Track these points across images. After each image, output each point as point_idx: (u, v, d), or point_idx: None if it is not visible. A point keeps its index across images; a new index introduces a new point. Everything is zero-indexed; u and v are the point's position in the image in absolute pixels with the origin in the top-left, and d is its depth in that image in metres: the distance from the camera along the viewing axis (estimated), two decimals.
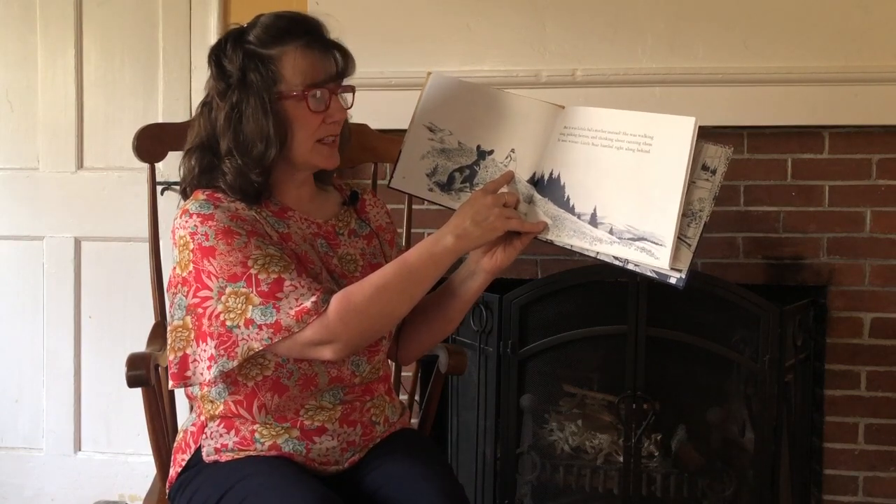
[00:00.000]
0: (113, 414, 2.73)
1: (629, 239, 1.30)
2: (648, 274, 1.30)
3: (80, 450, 2.77)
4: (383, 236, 1.57)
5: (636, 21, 2.31)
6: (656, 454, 2.26)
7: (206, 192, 1.39)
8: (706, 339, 2.19)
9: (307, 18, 1.41)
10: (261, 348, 1.31)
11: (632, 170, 1.30)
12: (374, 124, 1.85)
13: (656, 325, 2.16)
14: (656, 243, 1.27)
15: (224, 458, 1.39)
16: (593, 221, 1.33)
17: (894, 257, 2.32)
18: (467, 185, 1.43)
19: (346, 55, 1.42)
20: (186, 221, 1.35)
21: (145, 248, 1.78)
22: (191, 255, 1.33)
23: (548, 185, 1.38)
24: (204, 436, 1.42)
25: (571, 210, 1.35)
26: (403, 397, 1.96)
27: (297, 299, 1.30)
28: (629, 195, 1.30)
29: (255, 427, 1.39)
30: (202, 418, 1.43)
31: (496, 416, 2.26)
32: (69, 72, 2.68)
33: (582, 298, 2.26)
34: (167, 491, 1.48)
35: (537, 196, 1.39)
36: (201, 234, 1.33)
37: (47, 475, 2.77)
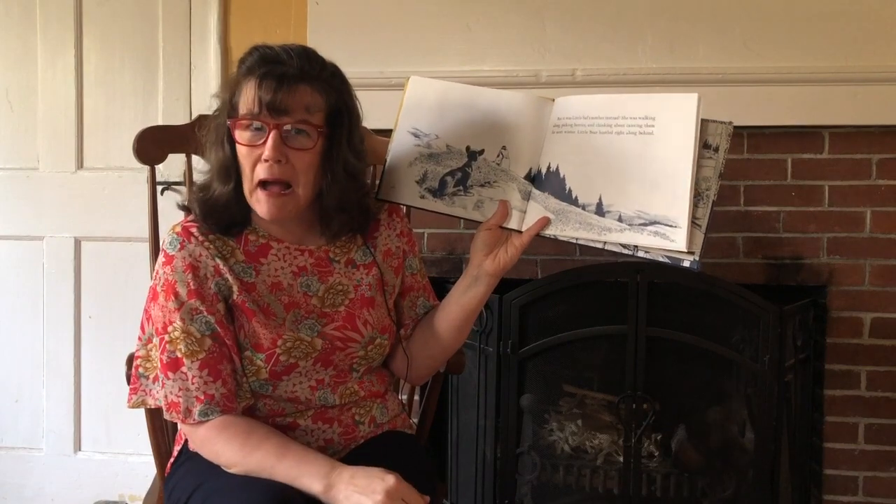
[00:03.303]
0: (113, 414, 2.73)
1: (640, 224, 1.27)
2: (660, 259, 1.27)
3: (80, 450, 2.77)
4: (388, 263, 1.50)
5: (636, 21, 2.31)
6: (656, 454, 2.26)
7: (184, 224, 1.39)
8: (706, 339, 2.19)
9: (289, 51, 1.32)
10: (153, 406, 1.40)
11: (636, 153, 1.27)
12: (374, 124, 1.85)
13: (656, 325, 2.16)
14: (670, 225, 1.25)
15: None
16: (600, 211, 1.30)
17: (894, 257, 2.32)
18: (461, 188, 1.39)
19: (291, 90, 1.29)
20: (160, 255, 1.39)
21: (145, 248, 1.78)
22: (150, 292, 1.40)
23: (546, 179, 1.35)
24: None
25: (575, 202, 1.32)
26: (403, 396, 1.96)
27: (179, 390, 1.33)
28: (636, 180, 1.27)
29: None
30: None
31: (496, 416, 2.26)
32: (69, 72, 2.68)
33: (582, 298, 2.26)
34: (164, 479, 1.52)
35: (536, 192, 1.36)
36: (158, 277, 1.37)
37: (47, 475, 2.77)
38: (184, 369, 1.33)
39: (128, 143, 1.72)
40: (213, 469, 1.35)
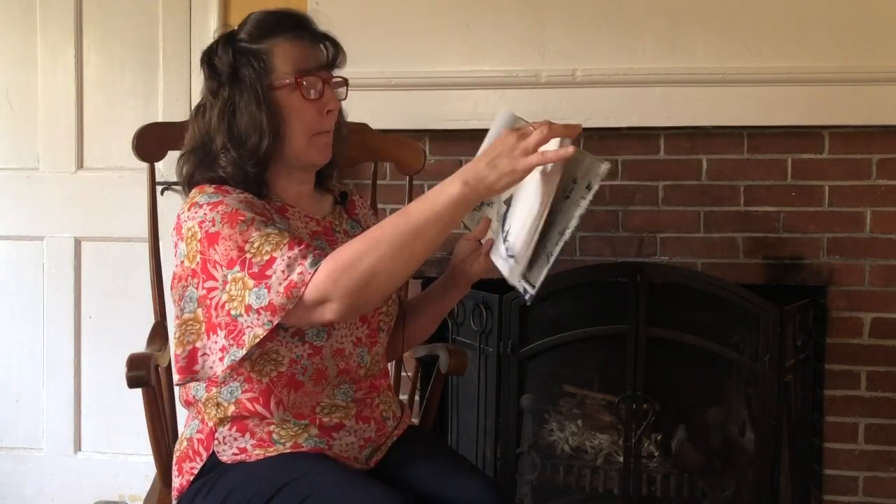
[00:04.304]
0: (113, 414, 2.73)
1: (509, 256, 1.32)
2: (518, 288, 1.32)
3: (80, 450, 2.77)
4: None
5: (636, 21, 2.31)
6: (656, 454, 2.26)
7: (214, 185, 1.40)
8: (706, 339, 2.19)
9: (296, 13, 1.44)
10: (264, 333, 1.27)
11: (526, 188, 1.30)
12: (374, 124, 1.86)
13: (656, 325, 2.16)
14: (517, 261, 1.30)
15: (253, 457, 1.38)
16: (505, 239, 1.35)
17: (894, 257, 2.32)
18: (482, 204, 1.44)
19: (336, 45, 1.44)
20: (196, 213, 1.34)
21: (145, 248, 1.78)
22: (198, 245, 1.32)
23: (510, 205, 1.39)
24: (216, 441, 1.40)
25: (501, 228, 1.38)
26: (403, 397, 1.97)
27: (283, 272, 1.25)
28: (520, 214, 1.32)
29: (272, 428, 1.39)
30: (210, 424, 1.41)
31: (496, 416, 2.26)
32: (69, 72, 2.68)
33: (582, 298, 2.26)
34: (175, 499, 1.45)
35: (506, 215, 1.39)
36: (208, 221, 1.32)
37: (47, 475, 2.77)
38: (278, 260, 1.26)
39: (128, 144, 1.72)
40: (294, 470, 1.32)
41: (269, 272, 1.26)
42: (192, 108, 1.45)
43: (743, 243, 2.36)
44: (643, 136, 2.35)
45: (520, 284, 1.31)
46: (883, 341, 2.33)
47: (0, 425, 2.79)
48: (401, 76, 2.35)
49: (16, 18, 2.70)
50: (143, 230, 1.77)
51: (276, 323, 1.26)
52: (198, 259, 1.32)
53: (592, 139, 2.35)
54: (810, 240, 2.34)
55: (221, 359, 1.33)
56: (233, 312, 1.29)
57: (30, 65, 2.70)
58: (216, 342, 1.34)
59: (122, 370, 1.49)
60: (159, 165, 1.78)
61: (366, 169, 2.13)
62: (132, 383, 1.50)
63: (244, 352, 1.30)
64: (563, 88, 2.32)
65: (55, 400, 2.76)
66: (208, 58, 1.42)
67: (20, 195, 2.73)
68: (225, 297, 1.30)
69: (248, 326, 1.29)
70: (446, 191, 1.21)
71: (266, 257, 1.27)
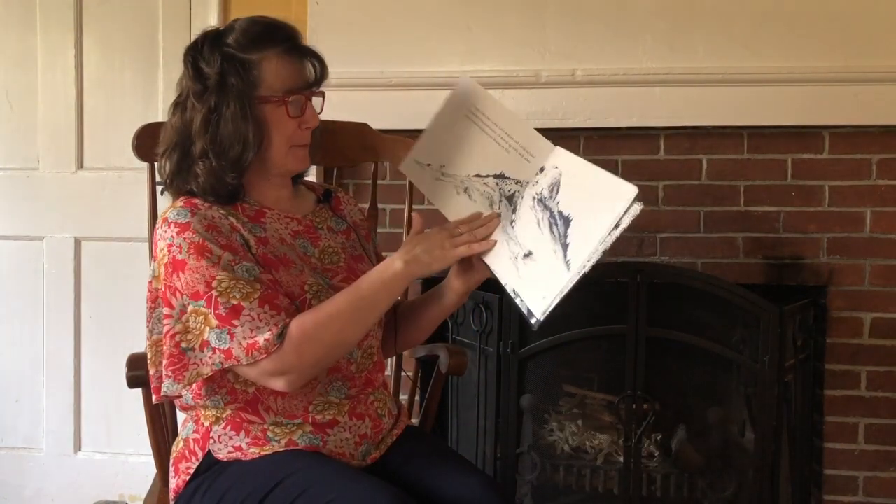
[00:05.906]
0: (113, 414, 2.73)
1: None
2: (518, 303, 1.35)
3: (80, 450, 2.77)
4: (360, 231, 1.59)
5: (636, 21, 2.31)
6: (656, 454, 2.26)
7: (184, 199, 1.40)
8: (706, 339, 2.19)
9: (285, 25, 1.44)
10: (210, 373, 1.32)
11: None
12: (374, 124, 1.86)
13: (656, 325, 2.16)
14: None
15: (248, 455, 1.38)
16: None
17: (894, 257, 2.32)
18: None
19: (321, 64, 1.46)
20: (165, 232, 1.36)
21: (145, 248, 1.78)
22: (164, 270, 1.35)
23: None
24: (211, 440, 1.40)
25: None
26: (404, 397, 1.97)
27: (251, 331, 1.29)
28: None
29: (266, 426, 1.39)
30: (205, 424, 1.41)
31: (496, 416, 2.26)
32: (69, 72, 2.68)
33: (582, 298, 2.25)
34: (173, 499, 1.45)
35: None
36: (175, 247, 1.34)
37: (47, 475, 2.77)
38: (245, 312, 1.30)
39: (128, 144, 1.72)
40: (288, 467, 1.33)
41: (235, 321, 1.30)
42: (170, 105, 1.44)
43: (743, 243, 2.36)
44: (643, 136, 2.35)
45: (543, 305, 1.32)
46: (883, 341, 2.33)
47: (0, 425, 2.80)
48: (401, 76, 2.35)
49: (16, 18, 2.70)
50: (143, 230, 1.77)
51: (225, 367, 1.31)
52: (163, 284, 1.36)
53: (592, 139, 2.36)
54: (810, 240, 2.34)
55: (158, 387, 1.37)
56: (182, 345, 1.33)
57: (30, 65, 2.70)
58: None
59: (122, 370, 1.50)
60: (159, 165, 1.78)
61: (366, 169, 2.13)
62: (132, 383, 1.50)
63: (181, 388, 1.34)
64: (563, 88, 2.32)
65: (55, 400, 2.76)
66: (192, 57, 1.41)
67: (20, 195, 2.73)
68: (179, 327, 1.33)
69: (193, 363, 1.33)
70: (391, 267, 1.35)
71: (234, 302, 1.30)
